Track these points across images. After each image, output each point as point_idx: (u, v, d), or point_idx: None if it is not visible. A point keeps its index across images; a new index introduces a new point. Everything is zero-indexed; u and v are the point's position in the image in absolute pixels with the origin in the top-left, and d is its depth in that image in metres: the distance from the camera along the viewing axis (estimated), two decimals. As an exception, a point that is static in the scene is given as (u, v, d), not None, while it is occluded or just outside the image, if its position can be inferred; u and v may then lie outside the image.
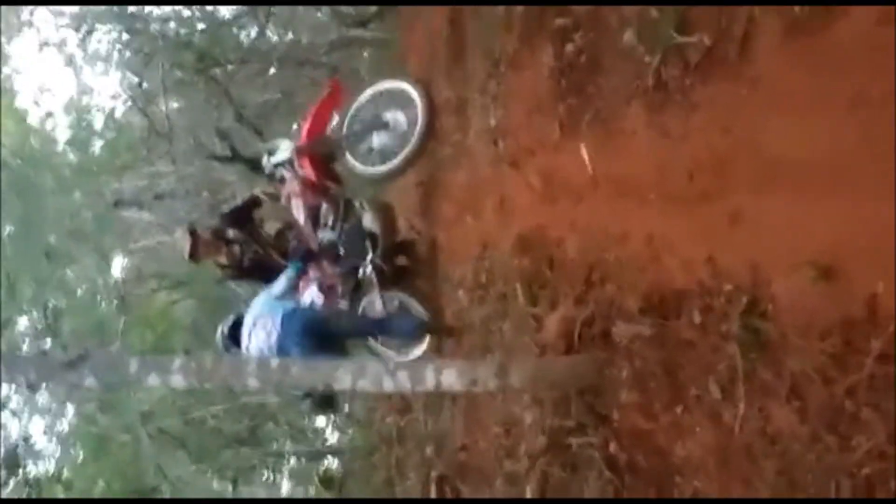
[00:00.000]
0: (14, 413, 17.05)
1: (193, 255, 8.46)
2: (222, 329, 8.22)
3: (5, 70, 19.10)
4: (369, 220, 8.30)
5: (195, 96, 16.58)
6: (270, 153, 8.46)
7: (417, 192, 8.76)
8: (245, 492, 18.03)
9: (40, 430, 17.73)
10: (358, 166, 8.34)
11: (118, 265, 19.23)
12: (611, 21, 6.20)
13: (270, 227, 8.61)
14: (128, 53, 17.43)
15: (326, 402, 8.55)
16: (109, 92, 18.64)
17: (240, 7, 15.79)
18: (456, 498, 7.79)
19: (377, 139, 8.28)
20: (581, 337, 6.10)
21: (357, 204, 8.41)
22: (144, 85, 17.33)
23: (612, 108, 6.12)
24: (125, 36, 17.15)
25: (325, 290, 8.39)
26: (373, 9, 12.77)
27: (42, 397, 17.27)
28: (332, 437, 16.22)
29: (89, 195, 18.13)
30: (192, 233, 8.45)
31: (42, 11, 17.50)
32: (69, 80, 19.33)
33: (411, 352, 8.50)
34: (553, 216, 6.72)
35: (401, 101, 8.24)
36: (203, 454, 16.72)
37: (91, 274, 18.67)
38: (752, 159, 4.95)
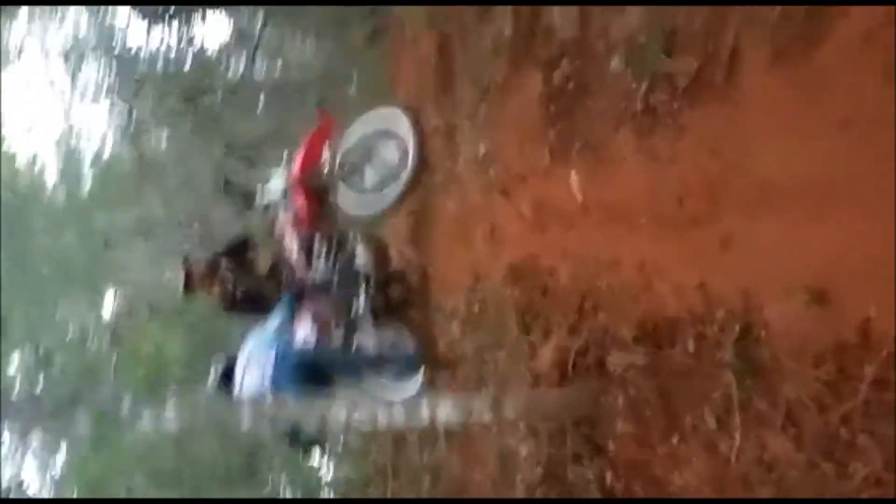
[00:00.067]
0: (6, 456, 16.97)
1: (188, 288, 8.44)
2: (215, 370, 8.16)
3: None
4: (362, 255, 8.28)
5: (184, 129, 16.56)
6: (261, 186, 8.45)
7: (408, 222, 8.73)
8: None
9: (33, 472, 17.61)
10: (350, 202, 8.34)
11: (109, 301, 19.17)
12: (598, 47, 6.19)
13: (264, 261, 8.56)
14: (117, 88, 17.41)
15: (310, 443, 8.51)
16: (98, 127, 18.60)
17: (227, 39, 15.81)
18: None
19: (368, 173, 8.29)
20: (575, 366, 6.07)
21: (350, 238, 8.39)
22: (134, 118, 17.31)
23: (602, 133, 6.10)
24: (114, 71, 17.14)
25: (319, 324, 8.34)
26: (361, 38, 12.80)
27: (35, 440, 17.19)
28: (328, 472, 16.13)
29: (80, 231, 18.10)
30: (186, 265, 8.42)
31: (31, 48, 17.53)
32: (58, 116, 19.32)
33: (406, 388, 8.46)
34: (544, 244, 6.69)
35: (391, 134, 8.24)
36: (197, 491, 16.63)
37: (82, 310, 18.61)
38: (742, 183, 4.93)
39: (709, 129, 5.20)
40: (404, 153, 8.15)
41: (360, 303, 8.22)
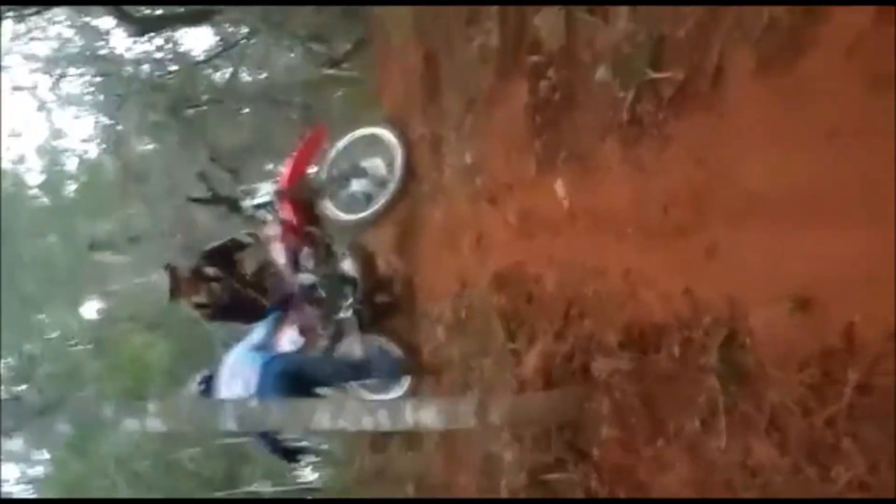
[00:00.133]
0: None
1: (174, 293, 8.42)
2: (196, 383, 8.15)
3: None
4: (349, 264, 8.32)
5: (168, 138, 16.56)
6: (249, 195, 8.46)
7: (395, 230, 8.76)
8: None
9: (14, 476, 17.54)
10: (337, 213, 8.40)
11: (92, 308, 19.12)
12: (584, 57, 6.23)
13: (249, 266, 8.56)
14: (101, 96, 17.39)
15: (292, 453, 8.53)
16: (82, 135, 18.60)
17: (213, 48, 15.82)
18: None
19: (356, 185, 8.35)
20: (560, 372, 6.09)
21: (337, 248, 8.42)
22: (118, 127, 17.30)
23: (588, 143, 6.13)
24: (97, 79, 17.12)
25: (305, 332, 8.35)
26: (346, 47, 12.82)
27: (16, 444, 17.10)
28: (311, 477, 16.12)
29: (64, 239, 18.06)
30: (172, 271, 8.40)
31: (14, 54, 17.47)
32: (41, 124, 19.29)
33: (389, 394, 8.46)
34: (531, 252, 6.73)
35: (378, 147, 8.30)
36: (178, 497, 16.60)
37: (65, 317, 18.56)
38: (728, 192, 4.97)
39: (694, 139, 5.24)
40: (391, 165, 8.20)
41: (346, 311, 8.26)
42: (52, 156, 19.12)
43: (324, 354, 8.40)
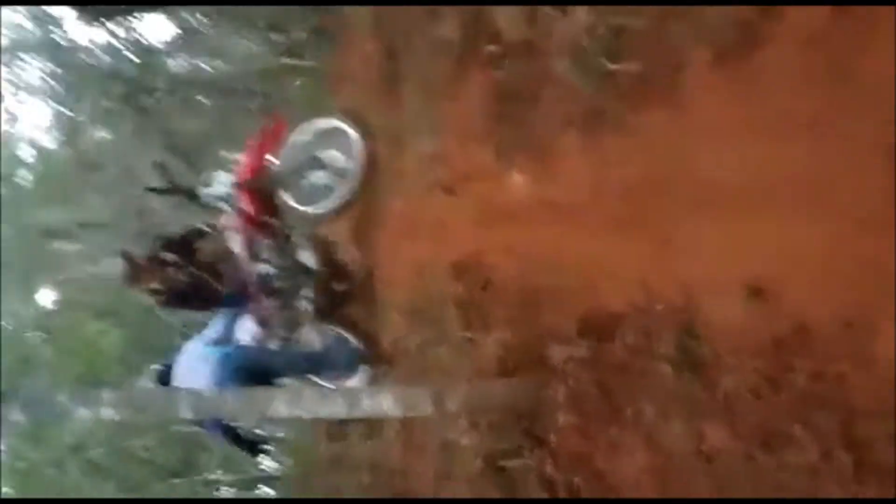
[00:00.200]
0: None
1: (130, 278, 8.36)
2: (151, 377, 8.10)
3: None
4: (307, 255, 8.30)
5: (124, 126, 16.41)
6: (207, 185, 8.41)
7: (353, 220, 8.73)
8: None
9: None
10: (296, 205, 8.37)
11: (45, 297, 18.97)
12: (543, 49, 6.26)
13: (207, 254, 8.51)
14: (56, 84, 17.24)
15: (253, 444, 8.54)
16: (37, 123, 18.41)
17: (170, 36, 15.72)
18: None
19: (315, 177, 8.33)
20: (517, 360, 6.13)
21: (295, 238, 8.40)
22: (73, 116, 17.17)
23: (547, 134, 6.17)
24: (52, 67, 16.98)
25: (262, 323, 8.33)
26: (304, 37, 12.77)
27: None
28: (267, 465, 16.08)
29: (17, 227, 17.91)
30: (128, 257, 8.34)
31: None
32: (-1, 113, 19.08)
33: (347, 383, 8.46)
34: (489, 241, 6.74)
35: (337, 138, 8.29)
36: (134, 486, 16.52)
37: (17, 306, 18.42)
38: (685, 183, 5.04)
39: (652, 130, 5.31)
40: (350, 157, 8.19)
41: (304, 301, 8.25)
42: (6, 144, 18.94)
43: (281, 347, 8.37)
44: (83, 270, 17.38)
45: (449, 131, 7.37)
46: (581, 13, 5.90)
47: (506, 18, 6.69)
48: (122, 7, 14.51)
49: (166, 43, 15.87)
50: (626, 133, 5.50)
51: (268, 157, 8.39)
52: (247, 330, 8.24)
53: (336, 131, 8.35)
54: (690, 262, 4.97)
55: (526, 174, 6.36)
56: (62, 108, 17.68)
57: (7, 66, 17.63)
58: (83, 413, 5.32)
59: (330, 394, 5.96)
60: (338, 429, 8.77)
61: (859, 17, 4.19)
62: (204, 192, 8.36)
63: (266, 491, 16.72)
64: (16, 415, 5.30)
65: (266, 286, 8.27)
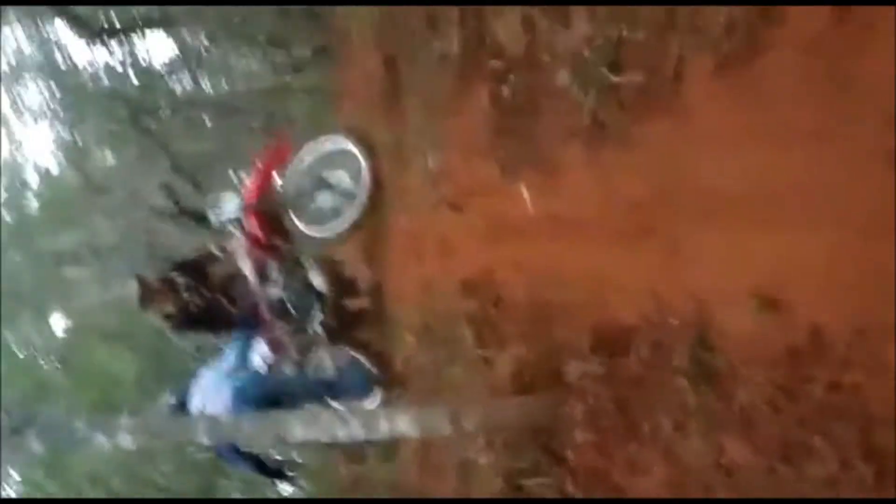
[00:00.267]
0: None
1: (144, 302, 8.35)
2: (167, 404, 8.08)
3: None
4: (316, 277, 8.29)
5: (129, 149, 16.45)
6: (215, 208, 8.40)
7: (360, 239, 8.71)
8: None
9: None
10: (304, 228, 8.36)
11: (58, 323, 18.99)
12: (545, 62, 6.24)
13: (220, 278, 8.49)
14: (60, 109, 17.28)
15: (277, 471, 8.56)
16: (43, 149, 18.45)
17: (171, 57, 15.72)
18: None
19: (322, 199, 8.32)
20: (532, 377, 6.10)
21: (304, 261, 8.39)
22: (78, 140, 17.20)
23: (551, 147, 6.15)
24: (55, 90, 17.00)
25: (274, 347, 8.32)
26: (307, 55, 12.78)
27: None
28: (286, 489, 16.09)
29: (26, 253, 17.92)
30: (141, 280, 8.33)
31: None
32: (2, 139, 19.08)
33: (363, 405, 8.45)
34: (497, 257, 6.72)
35: (343, 159, 8.27)
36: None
37: (31, 334, 18.44)
38: (691, 192, 5.02)
39: (656, 141, 5.28)
40: (356, 178, 8.18)
41: (316, 323, 8.24)
42: (13, 171, 18.96)
43: (295, 375, 8.37)
44: (94, 295, 17.41)
45: (453, 147, 7.35)
46: (582, 25, 5.87)
47: (507, 32, 6.66)
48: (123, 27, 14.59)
49: (167, 63, 15.89)
50: (629, 144, 5.47)
51: (273, 179, 8.38)
52: (259, 353, 8.23)
53: (342, 151, 8.33)
54: (699, 272, 4.95)
55: (531, 188, 6.33)
56: (66, 132, 17.71)
57: (10, 90, 17.68)
58: (100, 440, 5.30)
59: (346, 416, 5.92)
60: (355, 451, 8.75)
61: (860, 22, 4.15)
62: (212, 215, 8.37)
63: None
64: (33, 443, 5.28)
65: (277, 309, 8.26)
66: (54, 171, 18.70)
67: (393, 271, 8.36)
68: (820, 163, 4.25)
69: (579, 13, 5.85)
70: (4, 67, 17.15)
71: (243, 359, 8.06)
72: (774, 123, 4.56)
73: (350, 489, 9.26)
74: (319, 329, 8.26)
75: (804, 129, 4.37)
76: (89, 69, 16.53)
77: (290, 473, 9.00)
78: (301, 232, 8.40)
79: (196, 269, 8.39)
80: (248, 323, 8.31)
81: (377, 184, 8.18)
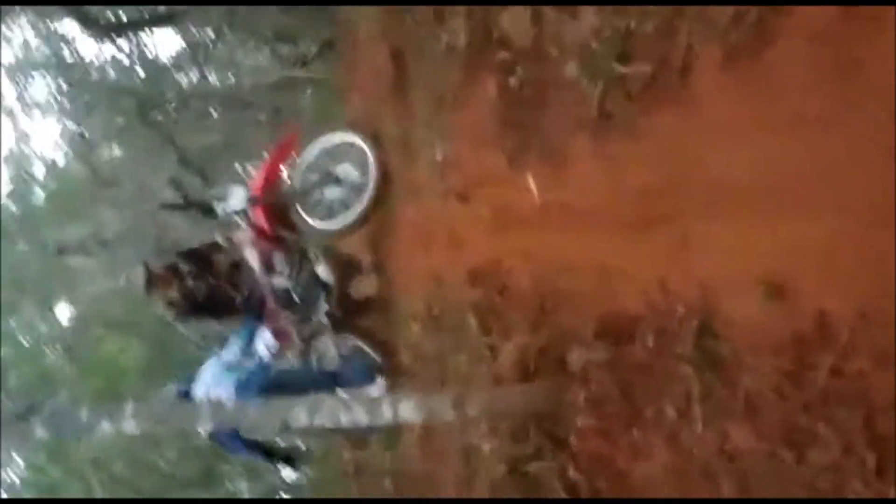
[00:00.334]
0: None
1: (149, 287, 8.40)
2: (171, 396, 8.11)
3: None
4: (322, 269, 8.33)
5: (136, 142, 16.49)
6: (221, 200, 8.43)
7: (367, 229, 8.74)
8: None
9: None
10: (311, 221, 8.38)
11: (64, 313, 19.04)
12: (552, 53, 6.27)
13: (225, 267, 8.52)
14: (67, 102, 17.31)
15: (286, 457, 8.63)
16: (50, 141, 18.52)
17: (178, 51, 15.76)
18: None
19: (329, 193, 8.34)
20: (536, 365, 6.13)
21: (311, 252, 8.42)
22: (86, 133, 17.23)
23: (558, 138, 6.18)
24: (64, 84, 17.03)
25: (279, 336, 8.35)
26: (313, 48, 12.81)
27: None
28: (289, 475, 16.13)
29: (33, 244, 17.96)
30: (146, 266, 8.38)
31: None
32: (8, 131, 19.11)
33: (367, 392, 8.48)
34: (504, 247, 6.75)
35: (350, 153, 8.30)
36: (156, 498, 16.60)
37: (36, 323, 18.50)
38: (698, 183, 5.04)
39: (664, 131, 5.31)
40: (363, 171, 8.21)
41: (321, 313, 8.28)
42: (19, 163, 19.01)
43: (299, 366, 8.41)
44: (100, 286, 17.44)
45: (460, 138, 7.38)
46: (589, 16, 5.90)
47: (513, 24, 6.69)
48: (131, 23, 14.61)
49: (174, 57, 15.93)
50: (637, 135, 5.50)
51: (281, 171, 8.42)
52: (264, 342, 8.27)
53: (349, 145, 8.37)
54: (706, 261, 4.97)
55: (539, 179, 6.36)
56: (74, 126, 17.75)
57: (18, 84, 17.72)
58: (105, 427, 5.34)
59: (350, 402, 5.95)
60: (359, 437, 8.78)
61: (867, 13, 4.18)
62: (219, 207, 8.41)
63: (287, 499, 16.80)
64: (38, 431, 5.32)
65: (282, 299, 8.30)
66: (61, 163, 18.77)
67: (400, 261, 8.39)
68: (826, 152, 4.28)
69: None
70: (11, 60, 17.22)
71: (247, 348, 8.11)
72: (781, 114, 4.59)
73: (353, 475, 9.29)
74: (324, 319, 8.31)
75: (811, 119, 4.40)
76: (97, 63, 16.59)
77: (294, 458, 9.02)
78: (308, 224, 8.44)
79: (201, 257, 8.45)
80: (252, 312, 8.36)
81: (385, 176, 8.22)
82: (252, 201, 8.23)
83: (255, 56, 15.60)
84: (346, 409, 5.64)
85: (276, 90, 14.60)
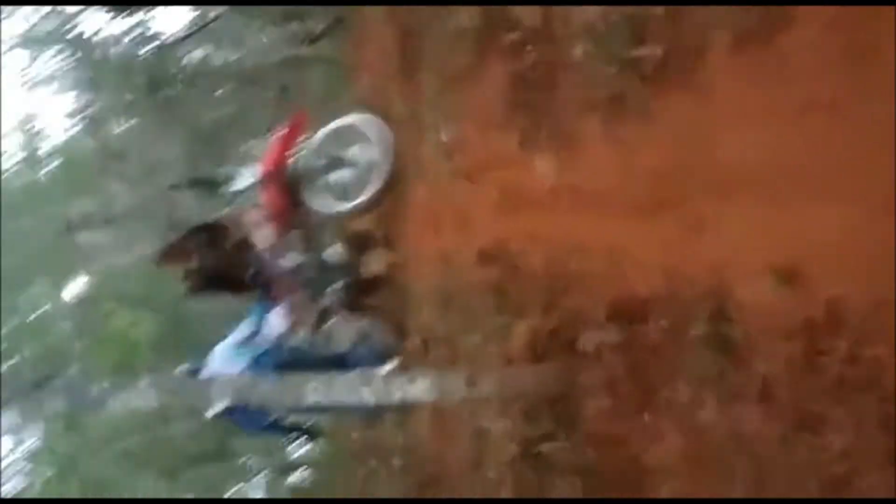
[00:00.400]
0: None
1: (162, 260, 8.48)
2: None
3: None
4: (333, 248, 8.35)
5: (145, 117, 16.46)
6: (231, 178, 8.45)
7: (377, 210, 8.73)
8: (217, 507, 18.07)
9: (6, 450, 17.53)
10: (322, 202, 8.37)
11: (75, 287, 19.06)
12: (562, 34, 6.26)
13: (234, 242, 8.54)
14: (75, 76, 17.29)
15: (303, 429, 8.72)
16: (58, 115, 18.47)
17: (186, 27, 15.72)
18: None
19: (339, 174, 8.32)
20: (548, 346, 6.15)
21: (321, 232, 8.43)
22: (94, 107, 17.23)
23: (569, 120, 6.17)
24: (73, 58, 17.00)
25: (291, 314, 8.36)
26: (321, 26, 12.77)
27: (9, 417, 17.07)
28: (301, 450, 16.18)
29: (43, 218, 17.97)
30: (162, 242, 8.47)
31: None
32: (16, 104, 19.11)
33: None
34: (514, 229, 6.74)
35: (359, 136, 8.28)
36: (170, 472, 16.66)
37: (46, 298, 18.52)
38: (711, 167, 5.05)
39: (675, 115, 5.31)
40: (374, 154, 8.19)
41: (332, 293, 8.30)
42: (28, 136, 19.01)
43: (308, 347, 8.43)
44: (111, 261, 17.46)
45: (469, 119, 7.37)
46: (599, -2, 5.90)
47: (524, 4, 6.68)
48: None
49: (184, 33, 15.87)
50: (648, 118, 5.50)
51: (291, 150, 8.42)
52: (275, 320, 8.29)
53: (359, 126, 8.34)
54: (718, 245, 4.99)
55: (549, 161, 6.36)
56: (83, 101, 17.73)
57: (28, 59, 17.72)
58: (120, 401, 5.39)
59: (362, 380, 5.99)
60: (370, 415, 8.80)
61: (881, -2, 4.19)
62: (229, 185, 8.42)
63: (300, 476, 16.86)
64: (54, 403, 5.37)
65: (294, 279, 8.31)
66: (70, 138, 18.75)
67: (410, 241, 8.39)
68: (838, 138, 4.29)
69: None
70: (20, 33, 17.20)
71: (259, 328, 8.14)
72: (794, 99, 4.59)
73: (364, 453, 9.32)
74: (335, 299, 8.33)
75: (823, 104, 4.40)
76: (106, 38, 16.54)
77: (307, 430, 9.07)
78: (320, 205, 8.42)
79: (212, 231, 8.48)
80: (263, 289, 8.40)
81: (394, 157, 8.20)
82: (263, 180, 8.24)
83: (264, 33, 15.55)
84: (358, 388, 5.68)
85: (283, 68, 14.55)
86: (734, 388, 4.69)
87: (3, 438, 17.12)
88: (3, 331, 17.56)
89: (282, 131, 8.53)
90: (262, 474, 17.99)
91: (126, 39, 16.11)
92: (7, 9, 16.11)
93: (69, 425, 15.78)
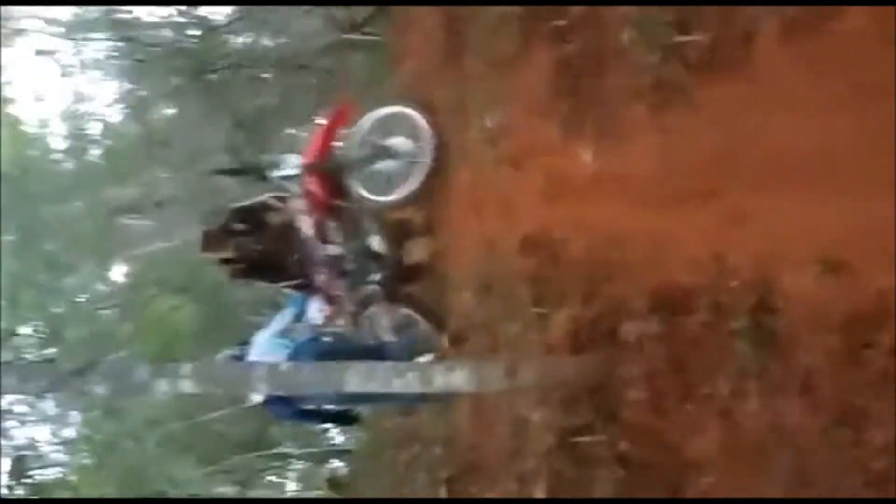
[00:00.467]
0: (19, 421, 17.05)
1: (205, 246, 8.51)
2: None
3: (-1, 79, 19.04)
4: (376, 238, 8.33)
5: (191, 102, 16.53)
6: (276, 166, 8.44)
7: (420, 197, 8.70)
8: (252, 495, 18.15)
9: (46, 437, 17.69)
10: (366, 193, 8.33)
11: (118, 272, 19.20)
12: (609, 21, 6.21)
13: (276, 228, 8.54)
14: (122, 61, 17.42)
15: (344, 416, 8.76)
16: (105, 100, 18.60)
17: (232, 12, 15.75)
18: (459, 498, 7.79)
19: (383, 165, 8.28)
20: (588, 335, 6.11)
21: (364, 221, 8.40)
22: (140, 92, 17.34)
23: (614, 107, 6.13)
24: (119, 44, 17.11)
25: (331, 302, 8.37)
26: (366, 12, 12.75)
27: (48, 405, 17.23)
28: (339, 439, 16.25)
29: (88, 203, 18.10)
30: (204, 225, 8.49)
31: (35, 20, 17.49)
32: (64, 89, 19.24)
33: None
34: (557, 216, 6.70)
35: (405, 123, 8.24)
36: (209, 459, 16.77)
37: (91, 282, 18.66)
38: (756, 157, 4.99)
39: (722, 104, 5.25)
40: (418, 144, 8.15)
41: (373, 283, 8.30)
42: (75, 121, 19.12)
43: (351, 336, 8.43)
44: (155, 246, 17.59)
45: (514, 105, 7.33)
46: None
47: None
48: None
49: (228, 19, 15.92)
50: (694, 106, 5.44)
51: (334, 139, 8.39)
52: (316, 308, 8.30)
53: (403, 115, 8.29)
54: (762, 235, 4.92)
55: (593, 148, 6.31)
56: (130, 86, 17.85)
57: (74, 44, 17.84)
58: (162, 386, 5.40)
59: (403, 369, 5.97)
60: (410, 404, 8.79)
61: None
62: (273, 171, 8.42)
63: (337, 464, 16.92)
64: (97, 388, 5.39)
65: (335, 267, 8.31)
66: (117, 124, 18.88)
67: (452, 228, 8.35)
68: (888, 128, 4.21)
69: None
70: (69, 18, 17.32)
71: (300, 317, 8.16)
72: (842, 88, 4.53)
73: (402, 442, 9.32)
74: (376, 288, 8.31)
75: (872, 94, 4.34)
76: (152, 24, 16.63)
77: (347, 418, 9.09)
78: (363, 195, 8.39)
79: (253, 214, 8.50)
80: (304, 277, 8.40)
81: (438, 146, 8.15)
82: (307, 168, 8.22)
83: (308, 19, 15.55)
84: (397, 377, 5.66)
85: (327, 53, 14.56)
86: (776, 381, 4.64)
87: (41, 427, 17.34)
88: (48, 315, 17.71)
89: (326, 121, 8.49)
90: (300, 462, 18.11)
91: (172, 25, 16.19)
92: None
93: (109, 411, 15.91)
